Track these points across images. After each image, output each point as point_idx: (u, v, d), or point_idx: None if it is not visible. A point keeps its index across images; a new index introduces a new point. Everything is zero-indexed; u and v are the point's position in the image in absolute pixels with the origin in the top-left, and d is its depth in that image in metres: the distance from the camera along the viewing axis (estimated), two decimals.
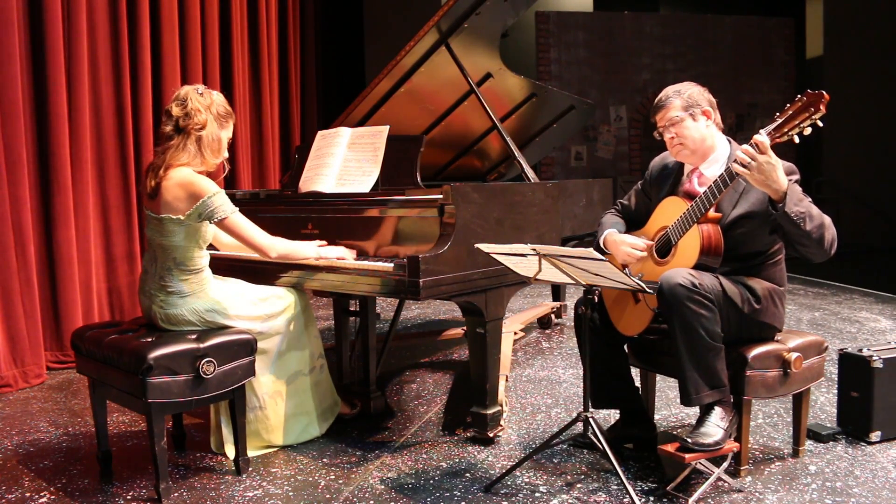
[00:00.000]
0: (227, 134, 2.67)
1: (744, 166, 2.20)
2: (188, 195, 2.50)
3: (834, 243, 2.29)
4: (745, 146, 2.20)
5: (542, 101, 4.13)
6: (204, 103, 2.58)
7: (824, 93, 2.11)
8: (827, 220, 2.28)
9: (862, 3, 9.11)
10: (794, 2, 10.28)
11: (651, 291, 2.27)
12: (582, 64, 9.38)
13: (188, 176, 2.52)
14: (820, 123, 2.15)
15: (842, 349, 2.82)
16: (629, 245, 2.55)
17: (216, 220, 2.53)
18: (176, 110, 2.57)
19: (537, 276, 2.35)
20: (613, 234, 2.64)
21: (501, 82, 3.83)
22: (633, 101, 9.50)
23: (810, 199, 2.32)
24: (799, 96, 2.16)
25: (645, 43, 9.50)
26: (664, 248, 2.50)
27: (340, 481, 2.51)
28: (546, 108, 4.22)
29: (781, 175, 2.20)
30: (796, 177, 2.38)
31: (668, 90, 2.57)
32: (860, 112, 8.73)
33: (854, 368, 2.74)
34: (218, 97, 2.65)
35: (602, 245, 2.67)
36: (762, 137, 2.19)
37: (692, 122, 2.51)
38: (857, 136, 8.93)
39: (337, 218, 3.02)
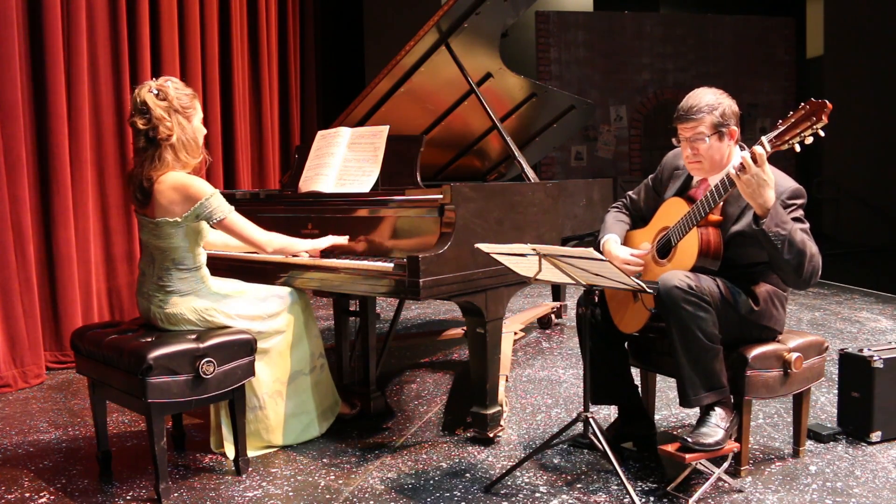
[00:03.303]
0: (198, 118, 2.59)
1: (736, 175, 2.20)
2: (184, 198, 2.49)
3: (814, 276, 2.26)
4: (744, 153, 2.20)
5: (542, 101, 4.13)
6: (164, 105, 2.49)
7: (827, 102, 2.09)
8: (811, 251, 2.25)
9: (862, 3, 9.11)
10: (794, 2, 10.29)
11: (651, 291, 2.27)
12: (582, 64, 9.38)
13: (182, 179, 2.51)
14: (822, 133, 2.14)
15: (842, 349, 2.82)
16: (622, 261, 2.52)
17: (214, 221, 2.53)
18: (140, 124, 2.48)
19: (537, 276, 2.35)
20: (610, 243, 2.63)
21: (501, 82, 3.83)
22: (633, 101, 9.50)
23: (805, 227, 2.30)
24: (802, 104, 2.15)
25: (645, 43, 9.50)
26: (664, 249, 2.51)
27: (340, 481, 2.51)
28: (546, 107, 4.22)
29: (770, 193, 2.20)
30: (800, 201, 2.36)
31: (702, 101, 2.40)
32: (860, 112, 8.73)
33: (854, 368, 2.73)
34: (174, 89, 2.52)
35: (601, 250, 2.66)
36: (761, 149, 2.18)
37: (717, 142, 2.40)
38: (858, 135, 8.93)
39: (337, 218, 3.02)
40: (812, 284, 2.28)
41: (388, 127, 3.04)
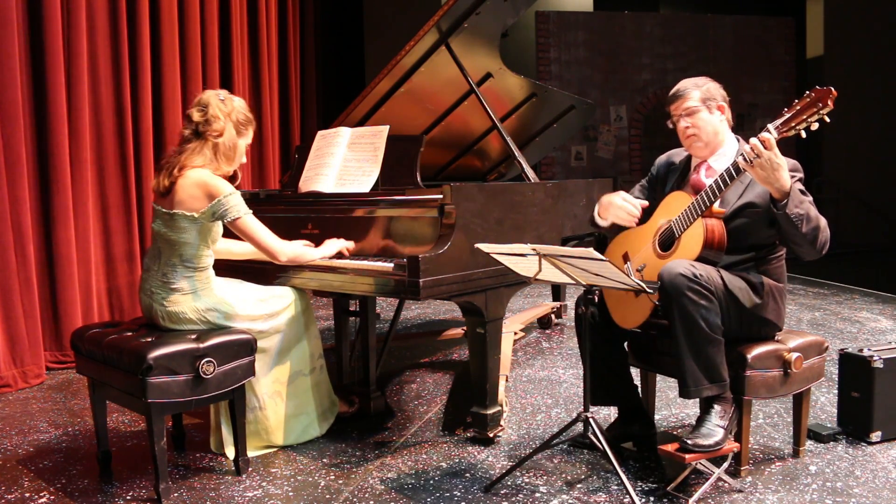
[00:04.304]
0: (245, 141, 2.71)
1: (749, 161, 2.22)
2: (205, 195, 2.52)
3: (826, 245, 2.34)
4: (753, 140, 2.21)
5: (542, 101, 4.13)
6: (224, 110, 2.62)
7: (832, 89, 2.14)
8: (823, 222, 2.31)
9: (862, 3, 9.11)
10: (794, 2, 10.28)
11: (651, 291, 2.27)
12: (582, 64, 9.38)
13: (205, 177, 2.54)
14: (827, 119, 2.18)
15: (842, 349, 2.82)
16: (621, 198, 2.58)
17: (229, 219, 2.55)
18: (196, 115, 2.61)
19: (537, 276, 2.35)
20: (605, 195, 2.68)
21: (501, 82, 3.82)
22: (633, 101, 9.50)
23: (811, 199, 2.35)
24: (808, 92, 2.19)
25: (645, 43, 9.50)
26: (667, 241, 2.50)
27: (340, 481, 2.51)
28: (546, 107, 4.22)
29: (785, 174, 2.23)
30: (800, 174, 2.42)
31: (687, 82, 2.59)
32: (860, 112, 8.73)
33: (854, 368, 2.73)
34: (239, 103, 2.68)
35: (596, 215, 2.71)
36: (769, 135, 2.21)
37: (707, 114, 2.54)
38: (858, 135, 8.93)
39: (337, 218, 3.02)
40: (823, 253, 2.35)
41: (388, 127, 3.04)
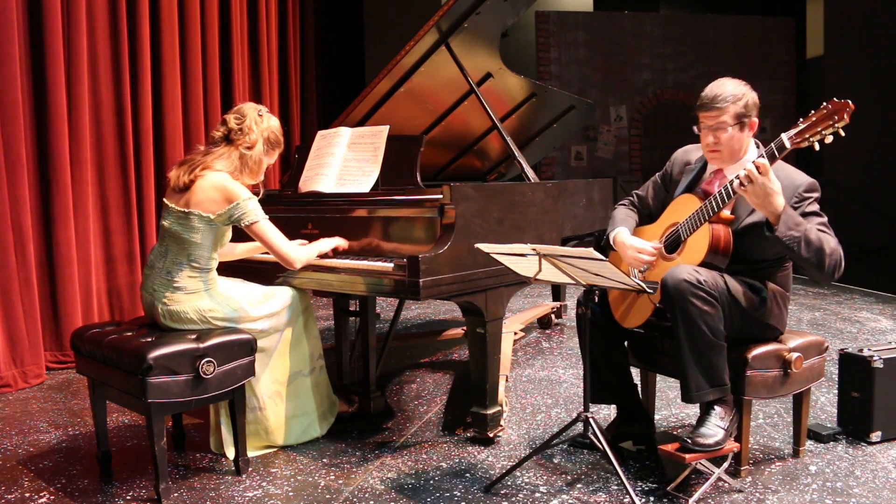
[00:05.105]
0: (269, 160, 2.75)
1: (742, 185, 2.21)
2: (223, 198, 2.54)
3: (837, 269, 2.27)
4: (749, 165, 2.20)
5: (542, 101, 4.13)
6: (261, 125, 2.67)
7: (850, 102, 2.10)
8: (829, 247, 2.25)
9: (862, 3, 9.11)
10: (794, 2, 10.28)
11: (651, 291, 2.27)
12: (582, 64, 9.38)
13: (225, 181, 2.56)
14: (842, 133, 2.14)
15: (842, 349, 2.82)
16: (636, 249, 2.52)
17: (245, 223, 2.57)
18: (232, 122, 2.65)
19: (537, 276, 2.35)
20: (623, 234, 2.61)
21: (501, 82, 3.83)
22: (633, 101, 9.50)
23: (824, 220, 2.32)
24: (824, 103, 2.15)
25: (645, 43, 9.50)
26: (673, 244, 2.50)
27: (340, 481, 2.51)
28: (546, 107, 4.22)
29: (779, 199, 2.21)
30: (815, 194, 2.38)
31: (726, 91, 2.40)
32: (860, 112, 8.61)
33: (854, 368, 2.74)
34: (274, 123, 2.73)
35: (611, 243, 2.66)
36: (764, 160, 2.19)
37: (738, 132, 2.40)
38: (858, 136, 8.88)
39: (337, 218, 3.02)
40: (836, 277, 2.30)
41: (388, 127, 3.04)
